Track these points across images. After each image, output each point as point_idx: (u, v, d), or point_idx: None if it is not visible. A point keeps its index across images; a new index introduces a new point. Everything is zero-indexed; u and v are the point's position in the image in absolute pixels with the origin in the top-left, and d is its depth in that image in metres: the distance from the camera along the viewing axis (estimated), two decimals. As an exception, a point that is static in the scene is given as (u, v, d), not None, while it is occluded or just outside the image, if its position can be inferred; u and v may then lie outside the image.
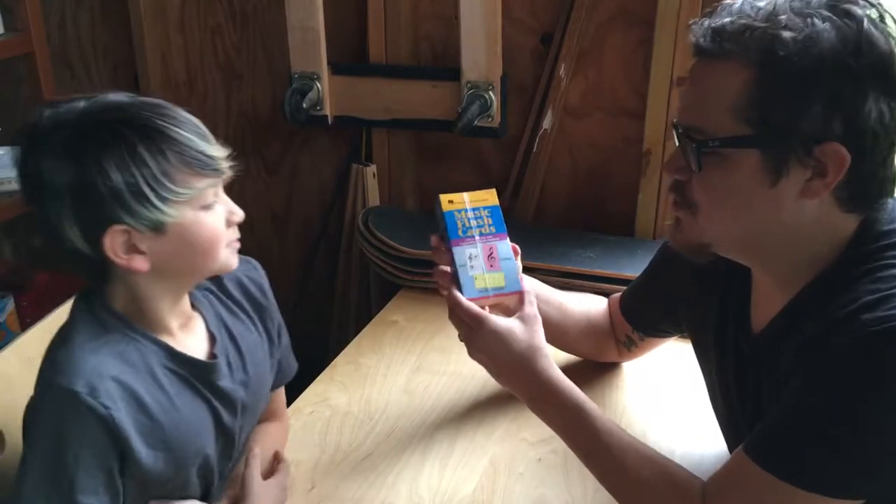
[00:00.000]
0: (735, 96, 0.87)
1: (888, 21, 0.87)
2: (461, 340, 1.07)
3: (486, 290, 1.06)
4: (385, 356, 1.55)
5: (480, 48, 1.74)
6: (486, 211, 1.09)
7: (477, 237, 1.08)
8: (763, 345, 1.00)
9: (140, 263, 0.94)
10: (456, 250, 1.07)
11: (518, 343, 1.03)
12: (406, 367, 1.52)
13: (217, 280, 1.12)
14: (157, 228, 0.93)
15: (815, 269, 0.94)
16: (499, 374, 1.06)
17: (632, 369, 1.46)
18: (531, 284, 1.26)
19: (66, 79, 2.23)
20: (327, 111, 1.91)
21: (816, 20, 0.84)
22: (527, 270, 1.70)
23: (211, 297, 1.12)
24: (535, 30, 1.82)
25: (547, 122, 1.84)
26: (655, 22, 1.68)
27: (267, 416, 1.23)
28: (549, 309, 1.30)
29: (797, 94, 0.85)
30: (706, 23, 0.90)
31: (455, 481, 1.23)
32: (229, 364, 1.08)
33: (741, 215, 0.92)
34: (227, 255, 1.02)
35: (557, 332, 1.33)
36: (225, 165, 0.97)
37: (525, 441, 1.30)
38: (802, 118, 0.85)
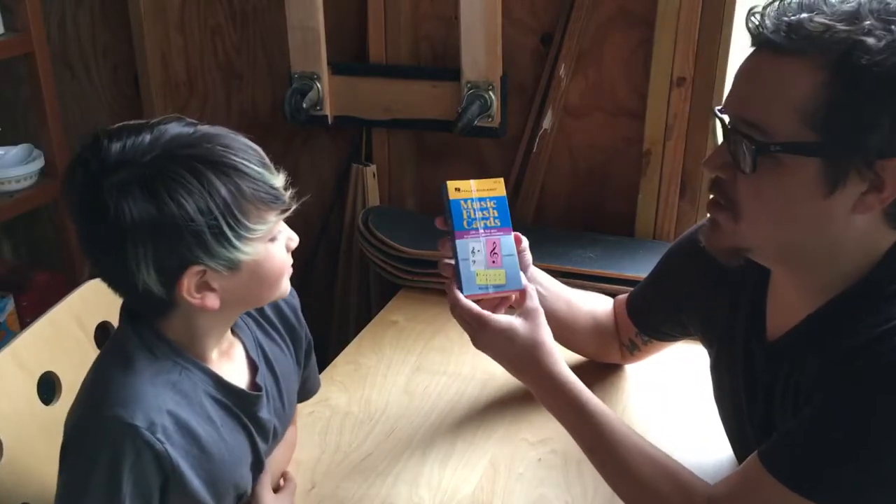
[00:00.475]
0: (804, 98, 0.82)
1: None
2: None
3: (486, 286, 1.05)
4: (385, 356, 1.55)
5: (480, 48, 1.74)
6: (492, 202, 1.07)
7: (481, 230, 1.06)
8: (780, 351, 0.98)
9: (212, 301, 0.92)
10: (459, 243, 1.05)
11: (520, 340, 1.03)
12: (406, 368, 1.52)
13: None
14: (233, 267, 0.91)
15: (846, 282, 0.91)
16: (507, 369, 1.07)
17: (634, 370, 1.46)
18: (542, 278, 1.26)
19: (66, 79, 2.23)
20: (327, 111, 1.91)
21: None
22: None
23: (249, 320, 1.10)
24: (535, 30, 1.82)
25: (547, 122, 1.84)
26: (655, 22, 1.68)
27: None
28: (557, 304, 1.29)
29: (870, 105, 0.81)
30: (774, 13, 0.85)
31: (455, 481, 1.23)
32: (268, 394, 1.06)
33: (788, 224, 0.88)
34: (285, 284, 1.01)
35: (564, 329, 1.32)
36: (287, 195, 0.95)
37: (525, 441, 1.30)
38: (871, 130, 0.81)
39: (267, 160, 0.94)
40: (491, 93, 1.77)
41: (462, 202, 1.06)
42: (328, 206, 2.09)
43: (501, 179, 1.09)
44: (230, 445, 1.00)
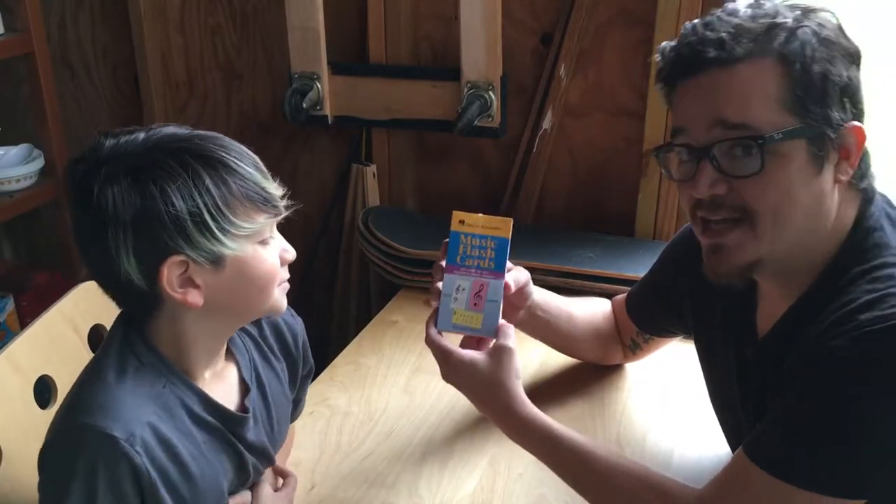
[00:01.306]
0: (775, 90, 0.89)
1: None
2: None
3: (460, 326, 1.04)
4: (385, 356, 1.55)
5: (480, 48, 1.74)
6: (492, 242, 1.04)
7: (473, 269, 1.04)
8: (767, 349, 1.00)
9: (195, 298, 0.91)
10: (447, 277, 1.04)
11: (480, 377, 1.02)
12: (406, 367, 1.52)
13: (257, 322, 1.09)
14: (216, 261, 0.90)
15: (814, 272, 0.95)
16: (472, 403, 1.08)
17: (634, 369, 1.46)
18: (542, 301, 1.27)
19: (66, 79, 2.23)
20: (327, 111, 1.91)
21: (811, 14, 0.91)
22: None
23: (248, 339, 1.09)
24: (535, 30, 1.82)
25: (547, 122, 1.84)
26: (655, 22, 1.68)
27: None
28: (559, 323, 1.32)
29: (825, 80, 0.88)
30: (694, 39, 0.91)
31: (455, 481, 1.23)
32: (255, 416, 1.05)
33: (798, 210, 0.92)
34: (279, 296, 0.99)
35: (565, 342, 1.37)
36: (282, 204, 0.94)
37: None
38: (832, 101, 0.89)
39: (261, 165, 0.94)
40: (491, 93, 1.77)
41: (462, 236, 1.04)
42: (328, 206, 2.09)
43: (510, 221, 1.05)
44: (211, 463, 0.98)
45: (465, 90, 1.78)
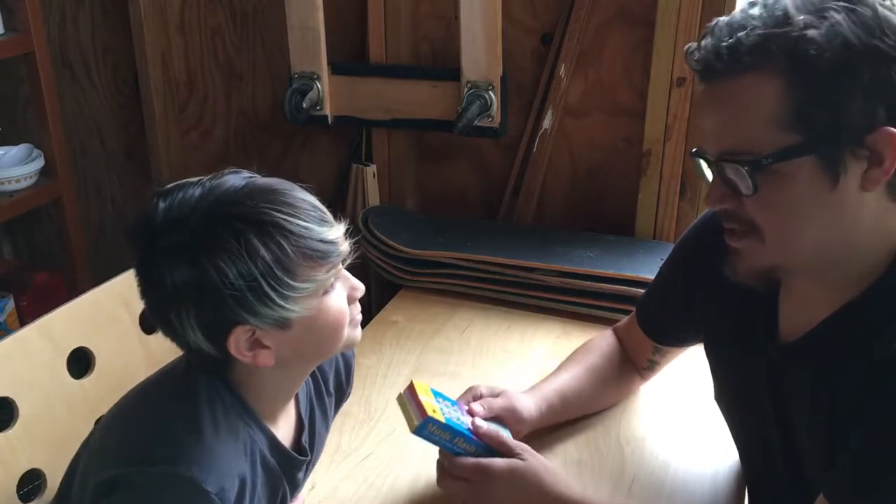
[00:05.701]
0: (773, 107, 0.84)
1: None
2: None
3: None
4: (385, 356, 1.55)
5: (480, 48, 1.74)
6: (441, 398, 1.11)
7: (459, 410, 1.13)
8: (801, 352, 0.97)
9: (265, 359, 0.89)
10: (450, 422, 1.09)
11: (526, 475, 1.07)
12: (406, 367, 1.52)
13: None
14: (282, 325, 0.88)
15: (867, 279, 0.91)
16: None
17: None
18: (538, 413, 1.24)
19: (66, 79, 2.23)
20: (327, 111, 1.91)
21: (832, 12, 0.83)
22: (527, 270, 1.71)
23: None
24: (535, 30, 1.82)
25: (547, 122, 1.84)
26: (655, 22, 1.68)
27: None
28: (570, 411, 1.30)
29: (836, 89, 0.83)
30: (710, 44, 0.87)
31: (455, 481, 1.23)
32: (306, 453, 1.05)
33: (809, 226, 0.88)
34: (351, 332, 0.96)
35: (586, 410, 1.33)
36: (345, 248, 0.91)
37: (524, 441, 1.30)
38: (847, 111, 0.83)
39: (324, 213, 0.91)
40: (491, 93, 1.77)
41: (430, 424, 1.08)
42: (328, 205, 2.08)
43: (402, 396, 1.10)
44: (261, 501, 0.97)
45: (465, 90, 1.78)
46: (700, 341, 1.21)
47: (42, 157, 2.12)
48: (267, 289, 0.85)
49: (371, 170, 1.98)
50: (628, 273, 1.61)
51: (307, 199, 0.90)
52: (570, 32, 1.76)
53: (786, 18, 0.84)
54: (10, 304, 2.10)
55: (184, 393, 0.92)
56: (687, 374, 1.41)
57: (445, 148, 1.97)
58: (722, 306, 1.10)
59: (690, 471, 1.24)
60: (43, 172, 2.12)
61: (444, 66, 1.87)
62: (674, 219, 1.79)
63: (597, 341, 1.37)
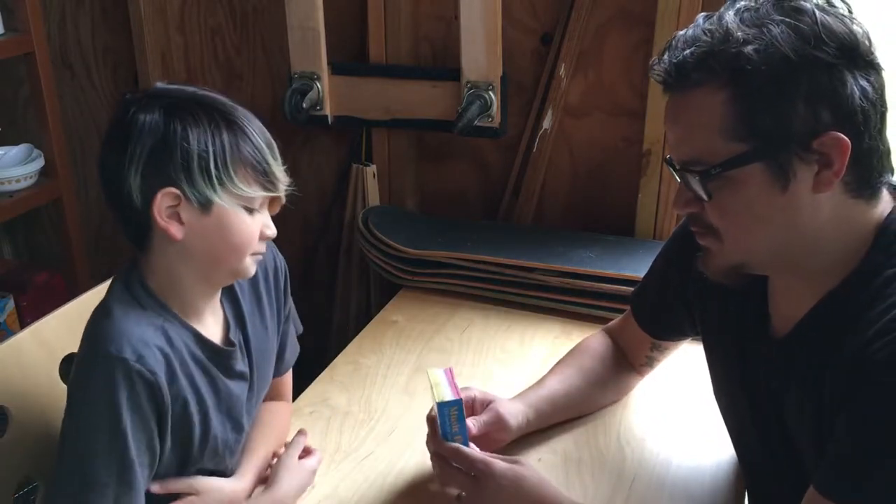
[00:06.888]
0: (719, 119, 0.89)
1: (836, 3, 0.90)
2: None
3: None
4: (385, 356, 1.55)
5: (480, 48, 1.74)
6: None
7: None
8: (786, 347, 0.99)
9: (176, 230, 1.00)
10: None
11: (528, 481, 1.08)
12: (406, 367, 1.52)
13: None
14: (204, 205, 1.00)
15: (846, 267, 0.93)
16: None
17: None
18: (527, 421, 1.27)
19: (66, 79, 2.23)
20: (327, 111, 1.91)
21: (771, 26, 0.87)
22: (527, 270, 1.71)
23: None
24: (535, 30, 1.82)
25: (547, 122, 1.84)
26: (655, 22, 1.68)
27: (274, 395, 1.28)
28: (559, 411, 1.31)
29: (776, 99, 0.87)
30: (666, 60, 0.93)
31: (455, 481, 1.23)
32: (241, 348, 1.14)
33: (764, 227, 0.92)
34: (249, 263, 1.07)
35: (581, 412, 1.34)
36: (281, 188, 1.05)
37: (525, 441, 1.30)
38: (790, 119, 0.87)
39: (277, 152, 1.05)
40: (491, 93, 1.77)
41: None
42: (328, 206, 2.09)
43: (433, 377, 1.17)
44: (203, 398, 1.07)
45: (465, 90, 1.78)
46: (697, 334, 1.22)
47: (42, 158, 2.12)
48: (211, 166, 0.98)
49: (371, 170, 1.98)
50: (628, 273, 1.61)
51: (272, 140, 1.06)
52: (570, 32, 1.76)
53: (726, 34, 0.88)
54: (11, 305, 2.10)
55: (104, 302, 1.05)
56: (686, 372, 1.41)
57: (445, 148, 1.98)
58: (715, 301, 1.12)
59: (691, 470, 1.24)
60: (43, 172, 2.12)
61: (444, 66, 1.87)
62: (673, 218, 1.79)
63: (588, 342, 1.38)
